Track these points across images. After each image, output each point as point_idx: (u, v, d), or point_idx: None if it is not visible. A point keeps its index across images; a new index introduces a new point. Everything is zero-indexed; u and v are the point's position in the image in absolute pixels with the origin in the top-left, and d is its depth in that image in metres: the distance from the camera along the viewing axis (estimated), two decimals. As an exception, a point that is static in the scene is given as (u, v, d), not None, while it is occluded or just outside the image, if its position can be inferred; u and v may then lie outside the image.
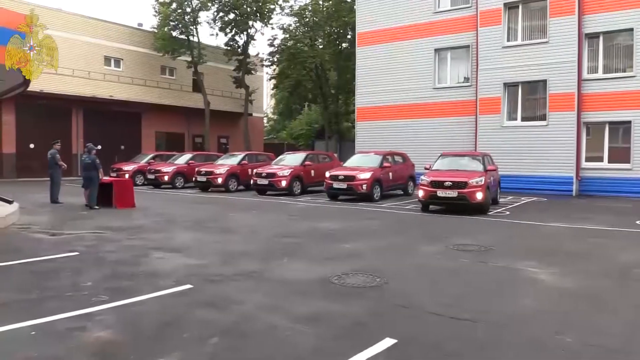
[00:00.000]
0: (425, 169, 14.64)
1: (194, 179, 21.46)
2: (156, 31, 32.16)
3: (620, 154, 19.15)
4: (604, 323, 5.06)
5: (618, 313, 5.41)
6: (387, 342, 4.41)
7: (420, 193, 13.71)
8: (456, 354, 4.27)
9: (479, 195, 12.99)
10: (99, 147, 15.57)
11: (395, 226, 11.79)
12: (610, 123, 19.38)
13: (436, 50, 23.08)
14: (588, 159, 19.77)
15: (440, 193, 13.20)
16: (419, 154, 22.01)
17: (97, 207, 14.14)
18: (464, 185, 13.07)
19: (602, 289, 6.37)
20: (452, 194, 13.08)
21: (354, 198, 16.85)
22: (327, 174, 17.33)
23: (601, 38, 19.53)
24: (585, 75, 19.66)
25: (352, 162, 18.43)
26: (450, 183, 13.18)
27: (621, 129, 19.32)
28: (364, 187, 16.39)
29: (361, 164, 17.71)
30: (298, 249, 8.75)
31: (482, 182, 13.15)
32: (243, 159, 21.95)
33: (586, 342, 4.53)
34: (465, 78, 22.74)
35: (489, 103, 21.32)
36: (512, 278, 6.87)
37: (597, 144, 19.77)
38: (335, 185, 16.87)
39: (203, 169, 21.14)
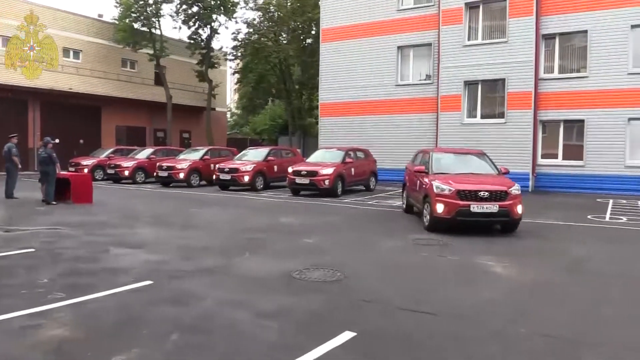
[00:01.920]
0: (416, 170, 11.54)
1: (155, 174, 21.13)
2: (117, 22, 31.44)
3: (574, 152, 19.82)
4: (555, 314, 5.27)
5: (569, 304, 5.64)
6: (347, 335, 4.49)
7: (440, 208, 9.70)
8: (415, 345, 4.39)
9: (520, 209, 9.93)
10: (57, 140, 15.14)
11: (357, 221, 11.92)
12: (565, 121, 20.02)
13: (399, 47, 23.35)
14: (544, 156, 20.37)
15: (476, 207, 9.49)
16: (381, 150, 22.31)
17: (54, 202, 13.80)
18: (504, 196, 9.73)
19: (555, 282, 6.62)
20: (492, 208, 9.52)
21: (316, 193, 16.92)
22: (290, 170, 17.34)
23: (557, 39, 20.14)
24: (542, 74, 20.24)
25: (314, 157, 18.49)
26: (487, 194, 9.64)
27: (575, 127, 19.97)
28: (327, 182, 16.46)
29: (324, 159, 17.77)
30: (260, 244, 8.76)
31: (519, 193, 10.03)
32: (205, 153, 21.74)
33: (539, 332, 4.72)
34: (427, 76, 23.09)
35: (449, 100, 21.70)
36: (470, 271, 7.06)
37: (552, 142, 20.40)
38: (298, 180, 16.88)
39: (165, 164, 20.85)
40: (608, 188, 18.65)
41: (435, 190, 9.90)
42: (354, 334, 4.54)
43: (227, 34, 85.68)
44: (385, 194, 17.92)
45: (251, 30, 36.42)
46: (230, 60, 38.86)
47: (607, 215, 13.08)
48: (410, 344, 4.41)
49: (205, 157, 21.48)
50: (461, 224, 9.75)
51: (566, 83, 19.84)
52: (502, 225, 10.11)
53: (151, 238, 9.18)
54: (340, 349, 4.24)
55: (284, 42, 36.89)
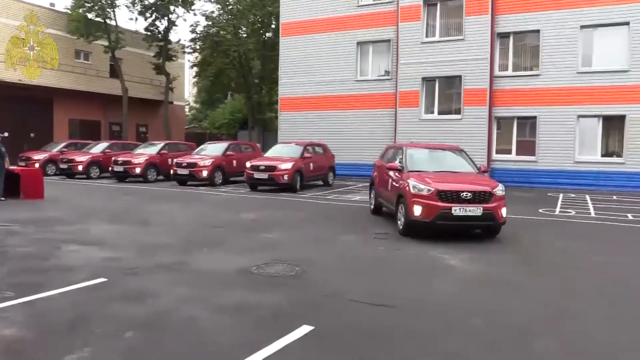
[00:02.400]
0: (389, 168, 10.58)
1: (110, 168, 20.64)
2: (70, 12, 30.45)
3: (527, 147, 20.43)
4: (509, 305, 5.43)
5: (522, 295, 5.83)
6: (305, 329, 4.53)
7: (418, 210, 8.74)
8: (371, 338, 4.45)
9: (505, 212, 9.04)
10: (6, 134, 14.51)
11: (317, 216, 11.95)
12: (519, 118, 20.59)
13: (358, 43, 23.49)
14: (498, 152, 20.92)
15: (458, 210, 8.53)
16: (341, 145, 22.45)
17: (2, 198, 13.29)
18: (488, 197, 8.76)
19: (508, 273, 6.82)
20: (475, 211, 8.56)
21: (275, 188, 16.87)
22: (248, 164, 17.18)
23: (511, 38, 20.67)
24: (496, 72, 20.74)
25: (273, 152, 18.38)
26: (470, 195, 8.66)
27: (528, 123, 20.57)
28: (285, 177, 16.40)
29: (282, 154, 17.70)
30: (219, 239, 8.69)
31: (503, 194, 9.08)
32: (163, 148, 21.39)
33: (494, 323, 4.86)
34: (386, 71, 23.31)
35: (408, 96, 21.99)
36: (427, 264, 7.20)
37: (507, 138, 20.96)
38: (257, 175, 16.76)
39: (120, 159, 20.40)
40: (559, 182, 19.31)
41: (412, 190, 8.91)
42: (312, 327, 4.58)
43: (185, 27, 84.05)
44: (344, 189, 18.04)
45: (210, 23, 35.88)
46: (188, 53, 38.22)
47: (557, 209, 13.55)
48: (366, 337, 4.47)
49: (163, 151, 21.14)
50: (440, 228, 8.81)
51: (520, 81, 20.39)
52: (485, 229, 9.22)
53: (106, 235, 8.97)
54: (298, 343, 4.27)
55: (244, 35, 36.53)
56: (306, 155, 17.55)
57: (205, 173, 18.33)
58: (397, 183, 9.86)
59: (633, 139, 18.61)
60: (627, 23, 18.57)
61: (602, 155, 19.44)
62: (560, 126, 19.53)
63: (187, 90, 53.76)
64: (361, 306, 5.30)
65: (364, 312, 5.12)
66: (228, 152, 19.54)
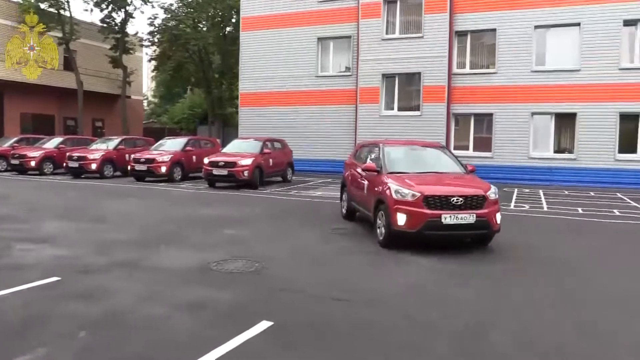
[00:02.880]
0: (365, 168, 9.29)
1: (64, 164, 20.07)
2: (22, 2, 29.35)
3: (484, 144, 20.92)
4: (465, 297, 5.57)
5: (479, 288, 5.98)
6: (264, 325, 4.53)
7: (402, 219, 7.60)
8: (329, 332, 4.49)
9: (499, 218, 7.98)
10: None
11: (278, 212, 11.93)
12: (476, 115, 21.06)
13: (319, 39, 23.51)
14: (456, 148, 21.27)
15: (448, 218, 7.44)
16: (302, 141, 22.49)
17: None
18: (482, 202, 7.72)
19: (465, 267, 6.97)
20: (468, 218, 7.50)
21: (235, 185, 16.70)
22: (206, 160, 16.80)
23: (469, 36, 21.10)
24: (454, 69, 21.14)
25: (231, 148, 18.00)
26: (462, 200, 7.59)
27: (485, 120, 21.06)
28: (246, 173, 16.15)
29: (241, 150, 17.38)
30: (177, 236, 8.58)
31: (497, 197, 8.13)
32: (120, 143, 20.91)
33: (450, 316, 4.98)
34: (346, 67, 23.43)
35: (368, 93, 22.17)
36: (385, 259, 7.30)
37: (464, 134, 21.41)
38: (216, 172, 16.37)
39: (75, 154, 19.84)
40: (514, 178, 19.86)
41: (394, 195, 7.79)
42: (271, 323, 4.58)
43: (143, 19, 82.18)
44: (305, 185, 18.07)
45: (169, 15, 35.25)
46: (146, 46, 37.48)
47: (512, 204, 13.95)
48: (325, 331, 4.51)
49: (120, 146, 20.68)
50: (428, 239, 7.76)
51: (477, 78, 20.84)
52: (477, 239, 8.19)
53: (60, 232, 8.73)
54: (257, 339, 4.27)
55: (204, 29, 36.03)
56: (265, 150, 17.32)
57: (163, 169, 18.03)
58: (375, 186, 8.62)
59: (583, 136, 19.31)
60: (578, 24, 19.22)
61: (555, 152, 20.11)
62: (515, 123, 20.08)
63: (146, 84, 52.72)
64: (321, 301, 5.34)
65: (324, 307, 5.16)
66: (187, 148, 19.26)
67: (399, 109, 22.10)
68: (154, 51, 38.36)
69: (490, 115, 20.59)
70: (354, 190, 10.18)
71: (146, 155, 18.62)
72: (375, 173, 8.85)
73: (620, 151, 18.99)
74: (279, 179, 18.83)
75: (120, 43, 32.68)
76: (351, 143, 22.22)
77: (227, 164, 16.32)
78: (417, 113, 21.52)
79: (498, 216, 7.86)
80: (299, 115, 23.54)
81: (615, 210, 12.81)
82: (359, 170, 9.83)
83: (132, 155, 18.97)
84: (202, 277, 6.13)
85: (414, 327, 4.66)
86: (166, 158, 18.25)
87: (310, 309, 5.09)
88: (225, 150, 18.04)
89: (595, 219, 11.51)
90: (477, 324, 4.79)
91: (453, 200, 7.53)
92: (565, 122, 19.99)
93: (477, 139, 21.15)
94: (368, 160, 9.69)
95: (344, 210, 10.91)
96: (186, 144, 19.50)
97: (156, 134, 34.08)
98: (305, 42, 23.62)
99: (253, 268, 6.52)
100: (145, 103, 50.23)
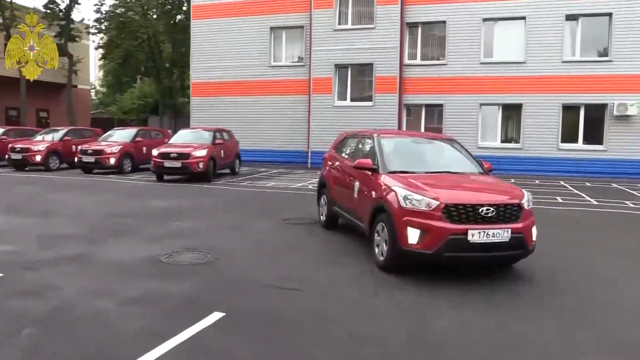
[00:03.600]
0: (358, 166, 7.22)
1: (7, 156, 19.24)
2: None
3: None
4: (417, 279, 5.72)
5: (439, 272, 6.14)
6: (216, 316, 4.53)
7: (414, 235, 5.76)
8: (282, 322, 4.54)
9: (535, 234, 6.20)
10: None
11: (231, 204, 11.86)
12: (427, 106, 21.47)
13: (272, 28, 23.34)
14: (408, 138, 21.66)
15: (477, 235, 5.63)
16: (255, 132, 22.42)
17: None
18: (516, 213, 5.96)
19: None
20: (501, 235, 5.71)
21: (185, 177, 16.15)
22: (155, 152, 15.85)
23: (420, 28, 21.43)
24: (406, 61, 21.44)
25: (179, 139, 17.10)
26: (492, 211, 5.79)
27: (436, 111, 21.50)
28: (201, 165, 15.46)
29: (190, 141, 16.68)
30: (127, 229, 8.41)
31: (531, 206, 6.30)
32: (66, 134, 20.22)
33: (395, 302, 5.10)
34: (299, 58, 23.38)
35: (321, 83, 22.21)
36: (338, 248, 7.38)
37: (416, 124, 21.77)
38: (168, 164, 15.53)
39: (18, 146, 19.06)
40: (463, 167, 20.33)
41: (402, 202, 5.93)
42: (223, 314, 4.59)
43: (89, 5, 79.43)
44: (258, 175, 18.00)
45: (117, 2, 34.22)
46: (93, 34, 36.25)
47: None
48: (277, 321, 4.55)
49: (66, 138, 20.01)
50: (450, 262, 5.97)
51: (428, 70, 21.22)
52: (509, 261, 6.34)
53: (2, 227, 8.41)
54: (209, 330, 4.27)
55: (153, 17, 35.17)
56: (217, 141, 16.71)
57: (113, 160, 17.57)
58: (371, 189, 6.82)
59: (529, 126, 20.00)
60: (524, 18, 19.84)
61: (502, 141, 20.77)
62: (464, 114, 20.58)
63: (93, 73, 51.05)
64: (273, 291, 5.37)
65: (276, 297, 5.20)
66: (137, 139, 18.83)
67: (352, 100, 22.26)
68: (102, 39, 37.19)
69: (441, 106, 21.03)
70: (338, 192, 8.35)
71: (94, 146, 18.09)
72: (370, 172, 7.01)
73: (563, 141, 19.79)
74: (228, 171, 18.26)
75: (65, 30, 31.49)
76: (304, 133, 22.30)
77: (181, 156, 15.54)
78: (369, 103, 21.74)
79: (534, 231, 6.11)
80: (252, 105, 23.36)
81: (558, 198, 13.37)
82: (345, 167, 8.18)
83: (80, 147, 18.41)
84: (152, 270, 6.05)
85: (364, 317, 4.76)
86: (115, 149, 17.79)
87: (262, 299, 5.12)
88: (172, 141, 17.07)
89: (541, 206, 11.97)
90: (423, 308, 4.93)
91: (482, 211, 5.71)
92: (511, 112, 20.65)
93: (429, 129, 21.50)
94: (358, 154, 7.90)
95: (322, 217, 9.05)
96: (136, 135, 19.06)
97: (104, 124, 33.05)
98: (258, 32, 23.42)
99: (205, 260, 6.48)
100: (92, 93, 48.65)
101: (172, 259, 6.48)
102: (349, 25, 22.07)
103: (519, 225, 5.85)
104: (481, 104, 20.52)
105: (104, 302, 4.91)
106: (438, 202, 5.71)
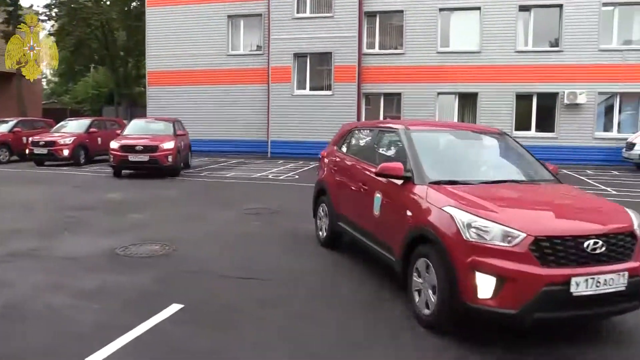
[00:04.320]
0: (381, 172, 4.98)
1: (-48, 150, 18.49)
2: None
3: (393, 123, 21.55)
4: (374, 269, 5.82)
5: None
6: (174, 308, 4.52)
7: (489, 287, 3.73)
8: (240, 311, 4.56)
9: None
10: None
11: (188, 195, 11.72)
12: (385, 94, 21.66)
13: (229, 16, 23.00)
14: (367, 127, 21.84)
15: (582, 283, 3.68)
16: (213, 121, 22.19)
17: None
18: (631, 246, 3.99)
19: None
20: (616, 280, 3.79)
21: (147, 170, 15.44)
22: (115, 145, 14.49)
23: (378, 17, 21.52)
24: (364, 50, 21.51)
25: (135, 129, 15.86)
26: (602, 246, 3.83)
27: (394, 99, 21.73)
28: (170, 158, 14.29)
29: (148, 132, 15.43)
30: (82, 222, 8.23)
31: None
32: (16, 125, 19.55)
33: (351, 290, 5.19)
34: (258, 46, 23.16)
35: (280, 72, 22.07)
36: (298, 238, 7.42)
37: (375, 113, 21.93)
38: (133, 158, 14.14)
39: (-36, 138, 18.32)
40: (421, 155, 20.66)
41: (463, 232, 3.93)
42: (182, 305, 4.58)
43: (38, -9, 76.66)
44: (217, 166, 17.83)
45: (67, -13, 33.06)
46: (43, 20, 34.92)
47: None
48: (235, 310, 4.58)
49: (16, 129, 19.35)
50: (538, 326, 3.99)
51: (386, 58, 21.37)
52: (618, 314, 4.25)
53: (-51, 222, 8.11)
54: (167, 322, 4.26)
55: (106, 3, 34.16)
56: (179, 132, 15.95)
57: (66, 152, 17.06)
58: (405, 208, 4.72)
59: (484, 115, 20.43)
60: (479, 8, 20.17)
61: (459, 130, 21.12)
62: (422, 103, 20.82)
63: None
64: (231, 281, 5.38)
65: (234, 287, 5.21)
66: (92, 129, 18.32)
67: (311, 89, 22.23)
68: (52, 26, 35.89)
69: (399, 94, 21.25)
70: (347, 204, 6.24)
71: (46, 137, 17.52)
72: (401, 180, 4.85)
73: (517, 129, 20.29)
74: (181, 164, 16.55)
75: (13, 16, 30.20)
76: (264, 123, 22.17)
77: (148, 149, 14.23)
78: (328, 93, 21.76)
79: None
80: (210, 94, 23.01)
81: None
82: (355, 170, 6.06)
83: (31, 138, 17.79)
84: (109, 263, 5.97)
85: (317, 301, 4.83)
86: (69, 140, 17.27)
87: (222, 290, 5.12)
88: (127, 133, 15.70)
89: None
90: (374, 299, 5.04)
91: (588, 246, 3.79)
92: (467, 101, 21.03)
93: (388, 117, 21.76)
94: (373, 154, 5.90)
95: (321, 233, 6.98)
96: (90, 126, 18.54)
97: (57, 115, 31.90)
98: (215, 20, 23.04)
99: (163, 251, 6.42)
100: (44, 82, 47.00)
101: (129, 251, 6.40)
102: (308, 14, 21.96)
103: (635, 264, 3.91)
104: (438, 93, 20.83)
105: (59, 297, 4.82)
106: (524, 234, 3.75)
